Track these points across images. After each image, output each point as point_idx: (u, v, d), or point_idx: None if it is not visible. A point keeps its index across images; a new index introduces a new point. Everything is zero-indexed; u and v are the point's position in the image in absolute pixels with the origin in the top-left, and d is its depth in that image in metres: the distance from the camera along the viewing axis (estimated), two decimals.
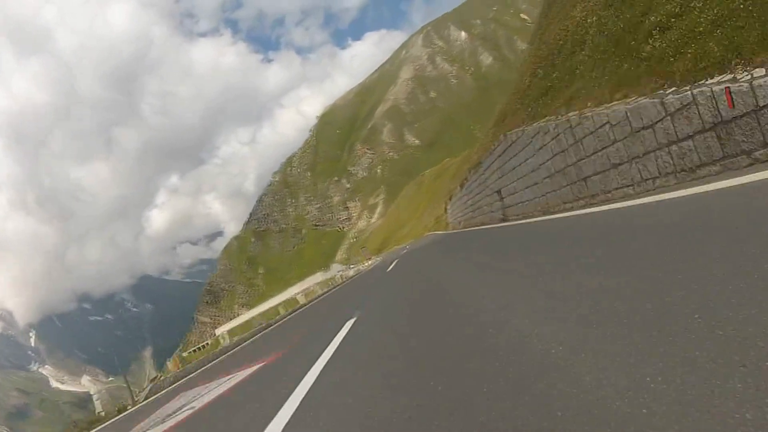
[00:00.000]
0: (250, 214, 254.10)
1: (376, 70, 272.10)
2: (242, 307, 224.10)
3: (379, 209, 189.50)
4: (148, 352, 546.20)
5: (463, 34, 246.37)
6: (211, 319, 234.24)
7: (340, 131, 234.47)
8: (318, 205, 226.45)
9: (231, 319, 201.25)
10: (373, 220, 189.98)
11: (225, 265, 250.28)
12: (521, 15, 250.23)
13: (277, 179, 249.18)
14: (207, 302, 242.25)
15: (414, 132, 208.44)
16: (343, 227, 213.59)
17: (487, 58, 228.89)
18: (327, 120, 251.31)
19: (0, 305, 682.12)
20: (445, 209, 40.34)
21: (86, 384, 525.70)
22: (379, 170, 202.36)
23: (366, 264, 59.78)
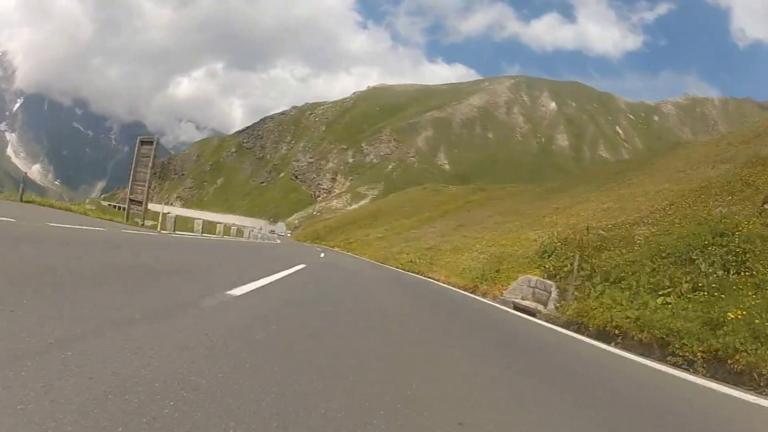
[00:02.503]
0: (247, 127, 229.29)
1: (446, 84, 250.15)
2: (177, 199, 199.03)
3: (363, 202, 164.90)
4: (101, 185, 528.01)
5: (553, 104, 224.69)
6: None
7: (379, 109, 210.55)
8: (311, 160, 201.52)
9: (163, 203, 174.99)
10: (349, 208, 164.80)
11: (194, 153, 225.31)
12: (617, 127, 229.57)
13: (292, 113, 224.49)
14: (155, 174, 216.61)
15: (449, 155, 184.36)
16: (318, 195, 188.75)
17: (563, 140, 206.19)
18: (375, 93, 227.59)
19: (10, 57, 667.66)
20: None
21: (34, 172, 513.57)
22: (390, 167, 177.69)
23: None
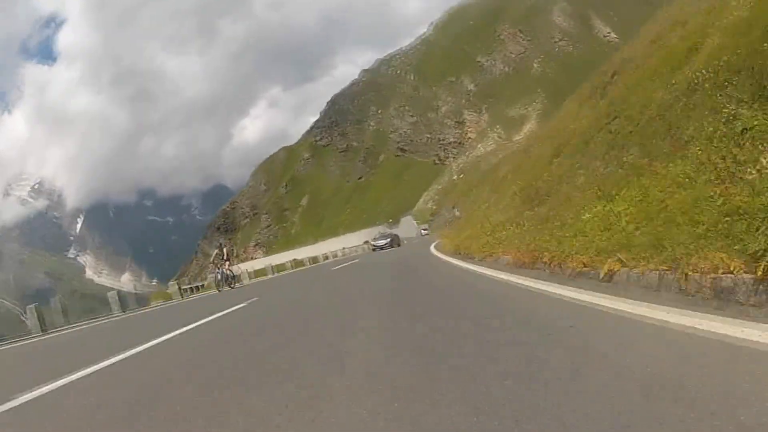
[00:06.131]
0: (315, 122, 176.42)
1: None
2: (258, 247, 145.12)
3: (528, 126, 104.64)
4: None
5: None
6: (218, 250, 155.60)
7: (474, 22, 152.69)
8: (413, 119, 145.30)
9: (243, 261, 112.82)
10: (511, 140, 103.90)
11: (259, 182, 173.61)
12: None
13: (365, 79, 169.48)
14: (218, 228, 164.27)
15: (608, 20, 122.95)
16: (445, 156, 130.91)
17: None
18: (458, 14, 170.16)
19: (49, 182, 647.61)
20: None
21: (125, 282, 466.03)
22: (536, 65, 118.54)
23: None
